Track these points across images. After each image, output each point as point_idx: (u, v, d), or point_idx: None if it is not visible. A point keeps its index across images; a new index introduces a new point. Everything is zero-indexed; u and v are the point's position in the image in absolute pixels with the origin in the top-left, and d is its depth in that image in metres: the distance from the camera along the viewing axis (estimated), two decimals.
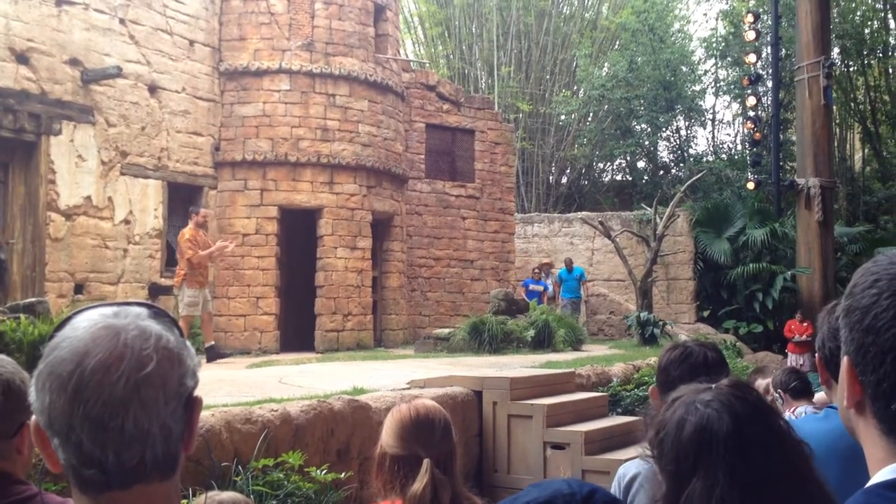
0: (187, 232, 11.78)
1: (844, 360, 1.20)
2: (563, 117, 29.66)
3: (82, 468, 1.12)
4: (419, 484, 2.37)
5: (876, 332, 1.14)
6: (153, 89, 13.91)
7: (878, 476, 1.14)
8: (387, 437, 2.52)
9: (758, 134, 21.82)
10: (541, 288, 18.69)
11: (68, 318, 1.19)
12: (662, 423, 1.45)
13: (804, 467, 1.38)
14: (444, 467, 2.44)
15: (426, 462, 2.40)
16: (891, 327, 1.12)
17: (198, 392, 1.22)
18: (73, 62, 12.60)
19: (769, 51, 22.65)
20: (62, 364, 1.12)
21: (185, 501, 4.41)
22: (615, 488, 2.81)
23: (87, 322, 1.16)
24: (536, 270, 19.44)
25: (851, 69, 28.75)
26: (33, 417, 1.17)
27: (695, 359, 2.69)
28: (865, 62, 28.70)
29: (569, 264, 19.46)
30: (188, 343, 1.23)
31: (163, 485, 1.16)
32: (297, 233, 15.68)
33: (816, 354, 2.31)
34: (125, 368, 1.11)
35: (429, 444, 2.46)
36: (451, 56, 30.30)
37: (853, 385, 1.20)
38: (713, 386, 1.47)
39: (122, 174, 13.35)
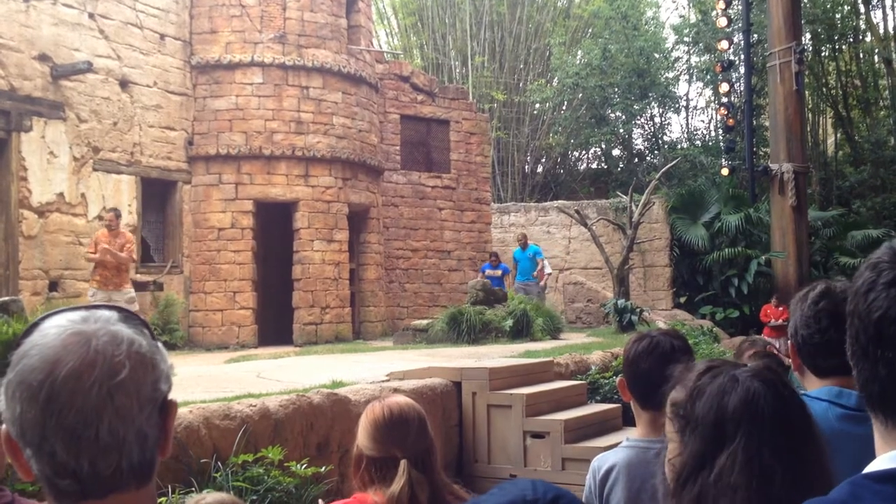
0: (97, 233, 11.43)
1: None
2: (537, 106, 29.69)
3: (57, 479, 1.10)
4: (396, 486, 2.36)
5: (859, 317, 1.14)
6: (124, 84, 13.78)
7: (869, 466, 1.13)
8: (362, 438, 2.50)
9: (731, 120, 21.95)
10: (499, 272, 17.14)
11: (36, 324, 1.16)
12: (698, 388, 1.49)
13: (825, 455, 1.44)
14: (421, 465, 2.44)
15: (403, 463, 2.40)
16: (869, 314, 1.12)
17: (172, 395, 1.21)
18: (43, 58, 12.46)
19: (741, 37, 22.76)
20: (32, 373, 1.10)
21: (163, 500, 4.39)
22: (590, 480, 2.80)
23: (56, 328, 1.13)
24: (492, 255, 17.88)
25: (823, 54, 28.96)
26: (3, 427, 1.14)
27: (662, 348, 2.68)
28: (836, 47, 28.91)
29: (522, 241, 17.71)
30: (160, 345, 1.21)
31: (139, 492, 1.15)
32: (273, 226, 15.61)
33: (789, 341, 2.32)
34: (97, 376, 1.09)
35: (404, 444, 2.45)
36: (425, 46, 30.22)
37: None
38: (746, 364, 1.55)
39: (95, 170, 13.23)
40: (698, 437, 1.45)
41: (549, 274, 17.37)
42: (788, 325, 2.36)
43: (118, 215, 11.71)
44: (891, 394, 1.11)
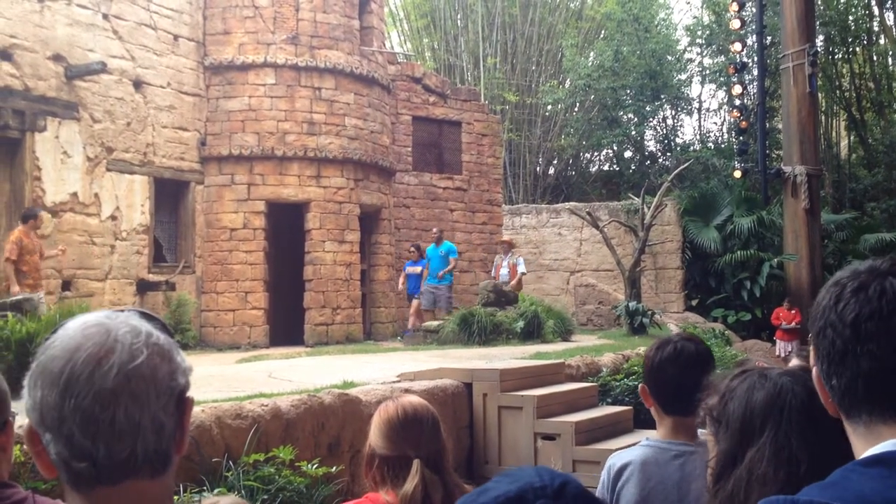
0: (16, 232, 11.00)
1: (814, 371, 1.28)
2: (549, 108, 29.65)
3: (73, 461, 1.12)
4: (410, 485, 2.36)
5: (832, 327, 1.22)
6: (138, 84, 13.84)
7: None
8: (375, 437, 2.51)
9: (744, 122, 21.88)
10: (418, 269, 15.74)
11: (61, 324, 1.21)
12: (729, 389, 1.59)
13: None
14: (434, 465, 2.44)
15: (416, 463, 2.40)
16: (842, 320, 1.20)
17: (190, 393, 1.22)
18: (57, 58, 12.52)
19: (754, 39, 22.69)
20: (53, 361, 1.13)
21: (175, 498, 4.40)
22: (604, 478, 2.80)
23: (78, 323, 1.18)
24: (412, 249, 16.09)
25: (836, 57, 28.83)
26: (26, 420, 1.17)
27: (687, 355, 2.69)
28: (850, 49, 28.77)
29: (437, 235, 16.02)
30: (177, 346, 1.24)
31: (154, 482, 1.16)
32: (285, 227, 15.64)
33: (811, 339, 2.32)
34: (116, 360, 1.13)
35: (418, 443, 2.45)
36: (437, 48, 30.24)
37: (822, 394, 1.27)
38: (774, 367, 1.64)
39: (108, 170, 13.28)
40: (729, 434, 1.53)
41: (524, 273, 16.38)
42: (807, 326, 2.36)
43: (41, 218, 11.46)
44: (875, 385, 1.17)
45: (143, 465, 1.14)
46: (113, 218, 13.33)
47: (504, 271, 15.85)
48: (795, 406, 1.50)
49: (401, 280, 16.35)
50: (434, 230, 16.36)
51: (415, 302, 15.80)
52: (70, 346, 1.14)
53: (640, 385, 2.84)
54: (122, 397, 1.12)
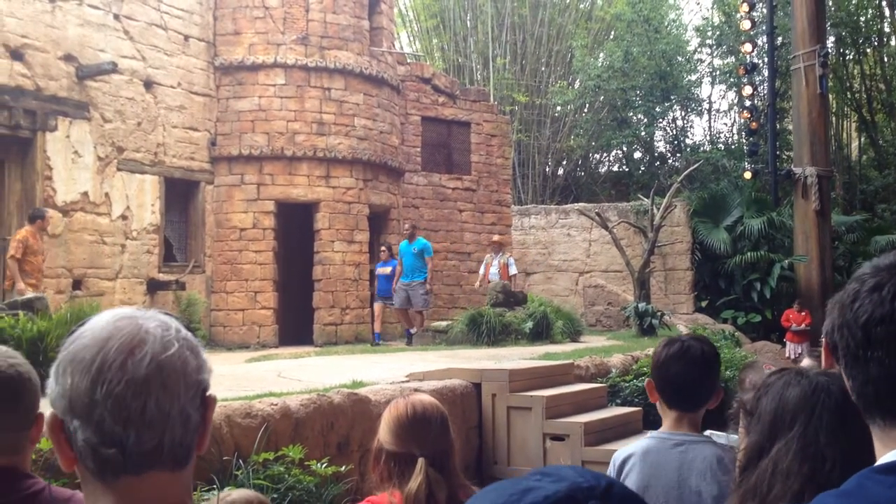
0: (23, 231, 11.01)
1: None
2: (558, 108, 29.62)
3: (102, 447, 1.13)
4: (414, 483, 2.38)
5: (847, 327, 1.20)
6: (148, 85, 13.88)
7: (878, 462, 1.18)
8: (383, 433, 2.52)
9: (754, 123, 21.84)
10: (388, 270, 14.93)
11: (86, 319, 1.22)
12: (766, 384, 1.61)
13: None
14: (440, 465, 2.45)
15: (420, 461, 2.41)
16: (856, 321, 1.18)
17: (211, 391, 1.24)
18: (68, 58, 12.57)
19: (765, 40, 22.63)
20: (84, 350, 1.14)
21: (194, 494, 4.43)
22: (610, 469, 2.90)
23: (108, 315, 1.19)
24: (383, 249, 15.32)
25: (847, 58, 28.73)
26: (49, 411, 1.18)
27: (693, 353, 2.77)
28: (861, 50, 28.67)
29: (409, 231, 15.05)
30: None
31: (175, 474, 1.17)
32: (294, 227, 15.67)
33: (823, 339, 2.33)
34: (148, 350, 1.14)
35: (425, 442, 2.46)
36: (446, 48, 30.24)
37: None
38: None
39: (119, 170, 13.33)
40: (759, 427, 1.55)
41: (515, 274, 15.96)
42: (821, 327, 2.37)
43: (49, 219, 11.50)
44: (884, 393, 1.16)
45: (167, 456, 1.15)
46: (123, 217, 13.38)
47: (494, 270, 15.61)
48: (829, 405, 1.51)
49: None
50: (406, 225, 15.44)
51: (377, 305, 14.96)
52: (102, 335, 1.15)
53: (647, 380, 2.94)
54: (153, 386, 1.13)
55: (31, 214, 11.29)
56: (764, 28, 22.21)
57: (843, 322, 1.21)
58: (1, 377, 1.89)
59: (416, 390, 6.84)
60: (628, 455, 2.86)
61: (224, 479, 4.99)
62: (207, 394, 1.23)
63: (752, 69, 22.26)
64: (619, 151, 30.50)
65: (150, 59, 13.90)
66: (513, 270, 15.70)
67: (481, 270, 16.09)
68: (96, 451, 1.13)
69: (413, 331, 14.62)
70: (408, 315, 14.83)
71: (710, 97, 31.15)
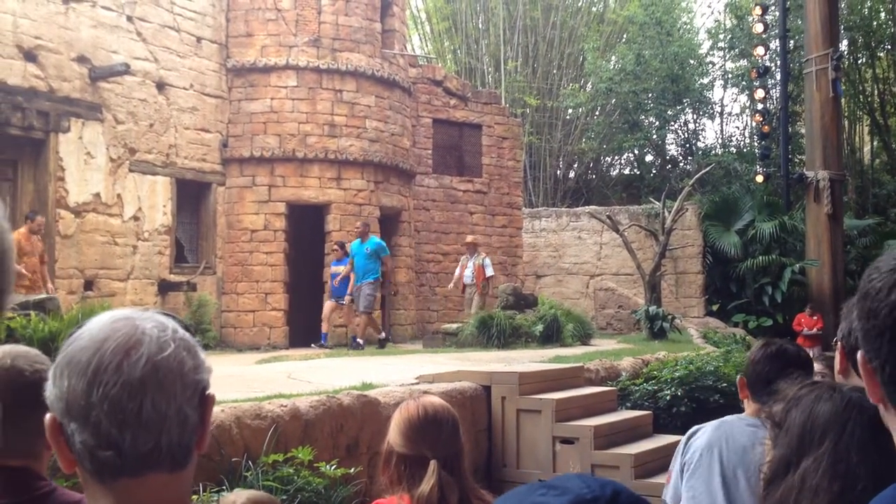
0: (15, 234, 11.08)
1: (859, 356, 1.20)
2: (570, 111, 29.59)
3: (99, 450, 1.13)
4: (426, 486, 2.36)
5: (874, 315, 1.14)
6: (161, 86, 13.93)
7: None
8: (394, 435, 2.51)
9: (766, 127, 21.77)
10: (341, 269, 14.23)
11: (85, 320, 1.22)
12: (796, 397, 1.58)
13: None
14: (451, 467, 2.43)
15: (433, 464, 2.39)
16: (885, 307, 1.12)
17: (210, 390, 1.24)
18: (81, 59, 12.63)
19: (777, 43, 22.56)
20: (81, 352, 1.14)
21: (195, 497, 4.43)
22: (682, 440, 3.05)
23: (106, 317, 1.19)
24: (336, 248, 14.57)
25: (860, 61, 28.61)
26: (49, 415, 1.18)
27: (789, 355, 2.91)
28: (874, 54, 28.55)
29: (361, 230, 14.21)
30: None
31: (173, 475, 1.17)
32: (305, 229, 15.69)
33: (839, 343, 2.32)
34: (144, 351, 1.14)
35: (436, 444, 2.45)
36: (458, 51, 30.24)
37: (870, 383, 1.19)
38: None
39: (131, 171, 13.38)
40: (787, 441, 1.51)
41: (491, 276, 15.53)
42: (837, 330, 2.35)
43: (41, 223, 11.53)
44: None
45: (165, 457, 1.15)
46: (135, 218, 13.42)
47: (468, 272, 15.36)
48: (861, 422, 1.45)
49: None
50: (358, 224, 14.57)
51: (327, 304, 14.42)
52: (98, 337, 1.15)
53: (738, 377, 3.09)
54: (149, 387, 1.13)
55: (25, 217, 11.36)
56: (776, 31, 22.13)
57: (863, 312, 1.15)
58: (24, 381, 1.89)
59: (425, 392, 6.85)
60: (702, 427, 3.00)
61: (234, 480, 5.00)
62: (207, 393, 1.22)
63: (765, 72, 22.20)
64: (630, 154, 30.46)
65: (162, 61, 13.95)
66: (489, 272, 15.43)
67: (456, 272, 15.80)
68: (93, 453, 1.13)
69: (360, 340, 13.70)
70: (366, 316, 14.02)
71: (722, 100, 31.13)
